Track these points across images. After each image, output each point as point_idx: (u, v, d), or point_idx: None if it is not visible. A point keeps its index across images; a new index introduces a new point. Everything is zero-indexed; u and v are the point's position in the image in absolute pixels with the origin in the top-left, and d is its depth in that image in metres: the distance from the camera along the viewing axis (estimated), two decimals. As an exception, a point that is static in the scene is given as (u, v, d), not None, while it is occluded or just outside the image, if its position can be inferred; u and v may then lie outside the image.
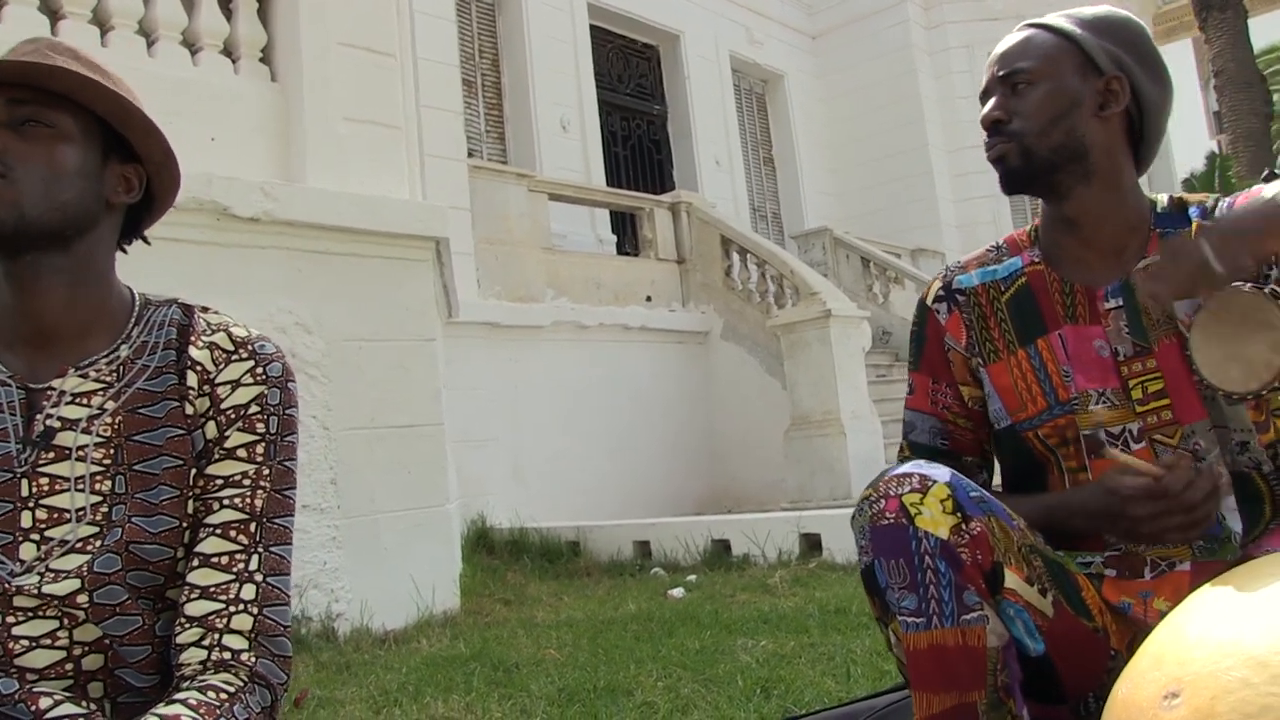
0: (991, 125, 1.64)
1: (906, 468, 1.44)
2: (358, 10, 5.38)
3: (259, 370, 1.26)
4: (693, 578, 6.03)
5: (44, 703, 1.11)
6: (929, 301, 1.79)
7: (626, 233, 12.75)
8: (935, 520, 1.37)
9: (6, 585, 1.14)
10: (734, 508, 10.26)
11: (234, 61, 5.08)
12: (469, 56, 12.24)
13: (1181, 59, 22.11)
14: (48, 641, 1.14)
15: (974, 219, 15.80)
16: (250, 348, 1.27)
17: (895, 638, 1.43)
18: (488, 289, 9.43)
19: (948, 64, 16.82)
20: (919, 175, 16.39)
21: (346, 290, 4.99)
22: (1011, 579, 1.41)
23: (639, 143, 14.73)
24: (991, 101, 1.65)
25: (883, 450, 9.21)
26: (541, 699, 3.13)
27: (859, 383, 9.51)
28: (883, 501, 1.41)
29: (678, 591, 5.51)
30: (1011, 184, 1.66)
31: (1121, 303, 1.60)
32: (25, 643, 1.14)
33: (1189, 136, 19.93)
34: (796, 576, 5.50)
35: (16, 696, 1.10)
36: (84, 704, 1.14)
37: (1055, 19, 1.66)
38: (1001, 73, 1.64)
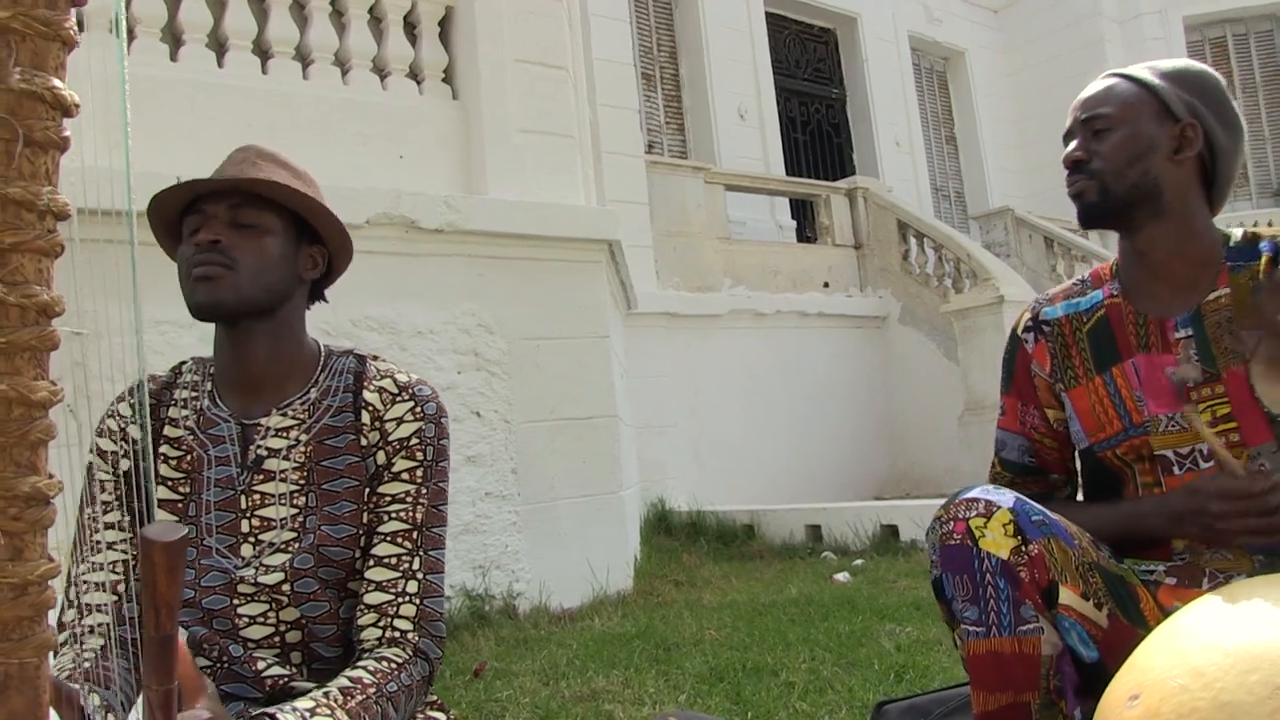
0: (1073, 164, 1.79)
1: (975, 492, 1.62)
2: (531, 28, 5.74)
3: (418, 409, 1.58)
4: (859, 562, 6.21)
5: (260, 664, 1.49)
6: (1019, 331, 1.95)
7: (807, 217, 12.87)
8: (997, 543, 1.55)
9: (233, 575, 1.50)
10: (912, 491, 10.33)
11: (419, 83, 5.51)
12: (647, 51, 12.58)
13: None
14: (261, 619, 1.50)
15: (1165, 192, 15.17)
16: (411, 391, 1.59)
17: (960, 641, 1.62)
18: (666, 280, 9.74)
19: (1139, 31, 16.19)
20: (1108, 149, 15.86)
21: (525, 292, 5.37)
22: (1067, 595, 1.57)
23: (818, 127, 14.78)
24: (1074, 143, 1.80)
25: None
26: (692, 676, 3.41)
27: (1034, 367, 9.44)
28: (952, 523, 1.59)
29: (843, 576, 5.71)
30: (1089, 218, 1.81)
31: (1191, 332, 1.73)
32: (246, 619, 1.49)
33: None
34: (959, 562, 5.62)
35: (242, 658, 1.49)
36: (288, 667, 1.50)
37: (1137, 70, 1.81)
38: (1084, 117, 1.79)
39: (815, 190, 12.02)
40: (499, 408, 5.17)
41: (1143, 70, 1.80)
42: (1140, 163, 1.74)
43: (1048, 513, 1.63)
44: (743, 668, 3.47)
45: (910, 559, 6.10)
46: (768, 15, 13.83)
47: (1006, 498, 1.60)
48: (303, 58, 5.17)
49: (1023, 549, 1.55)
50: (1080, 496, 1.97)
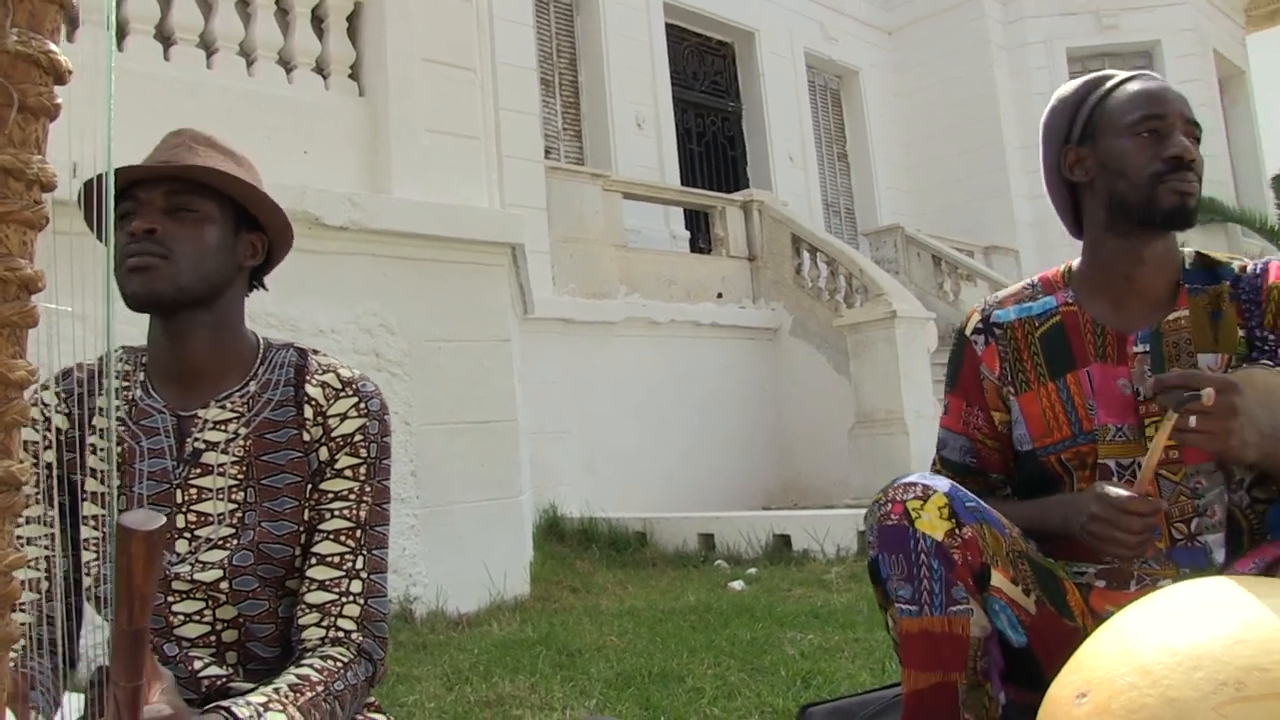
0: (1189, 163, 1.74)
1: (913, 478, 1.68)
2: (440, 27, 5.68)
3: (362, 405, 1.55)
4: (753, 571, 6.26)
5: (196, 664, 1.44)
6: (967, 332, 1.96)
7: (700, 228, 12.97)
8: (932, 524, 1.61)
9: (167, 572, 1.44)
10: (800, 502, 10.45)
11: (325, 78, 5.41)
12: (546, 56, 12.55)
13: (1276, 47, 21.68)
14: (197, 618, 1.45)
15: (1049, 215, 15.43)
16: (354, 386, 1.56)
17: (892, 621, 1.67)
18: (563, 286, 9.72)
19: (1025, 60, 16.74)
20: (994, 171, 16.34)
21: (428, 293, 5.31)
22: (998, 578, 1.63)
23: (713, 139, 14.92)
24: (1186, 142, 1.74)
25: (945, 450, 9.33)
26: (600, 682, 3.40)
27: (923, 382, 9.65)
28: (889, 505, 1.65)
29: (738, 584, 5.76)
30: (1188, 221, 1.75)
31: (1149, 349, 1.77)
32: (181, 617, 1.44)
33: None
34: (853, 572, 5.72)
35: (177, 658, 1.44)
36: (225, 667, 1.46)
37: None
38: (1190, 118, 1.77)
39: (712, 201, 12.12)
40: (399, 409, 5.09)
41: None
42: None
43: (980, 500, 1.69)
44: (649, 674, 3.47)
45: (804, 568, 6.17)
46: (668, 27, 13.92)
47: (942, 483, 1.66)
48: (206, 46, 5.03)
49: (956, 531, 1.61)
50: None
